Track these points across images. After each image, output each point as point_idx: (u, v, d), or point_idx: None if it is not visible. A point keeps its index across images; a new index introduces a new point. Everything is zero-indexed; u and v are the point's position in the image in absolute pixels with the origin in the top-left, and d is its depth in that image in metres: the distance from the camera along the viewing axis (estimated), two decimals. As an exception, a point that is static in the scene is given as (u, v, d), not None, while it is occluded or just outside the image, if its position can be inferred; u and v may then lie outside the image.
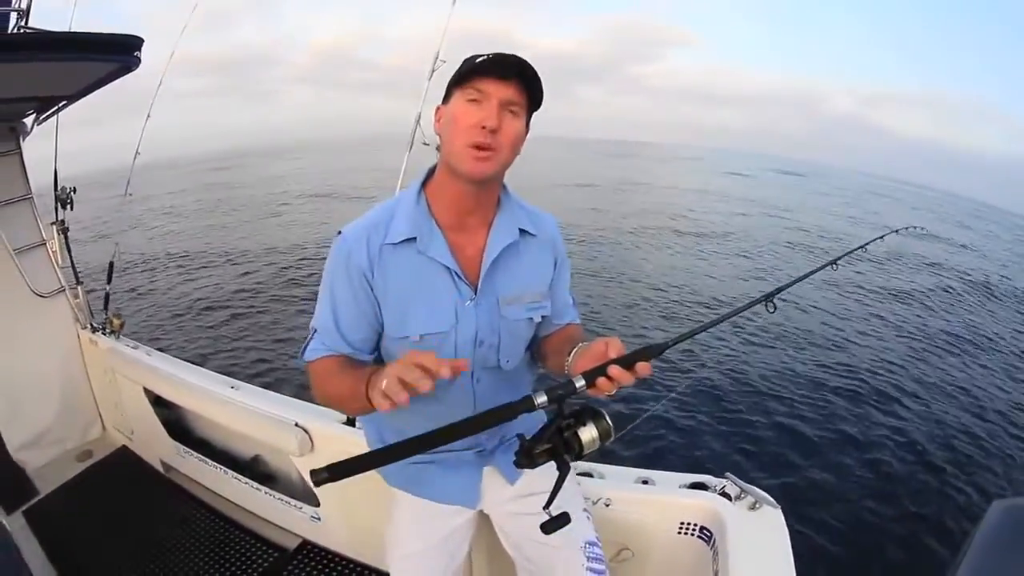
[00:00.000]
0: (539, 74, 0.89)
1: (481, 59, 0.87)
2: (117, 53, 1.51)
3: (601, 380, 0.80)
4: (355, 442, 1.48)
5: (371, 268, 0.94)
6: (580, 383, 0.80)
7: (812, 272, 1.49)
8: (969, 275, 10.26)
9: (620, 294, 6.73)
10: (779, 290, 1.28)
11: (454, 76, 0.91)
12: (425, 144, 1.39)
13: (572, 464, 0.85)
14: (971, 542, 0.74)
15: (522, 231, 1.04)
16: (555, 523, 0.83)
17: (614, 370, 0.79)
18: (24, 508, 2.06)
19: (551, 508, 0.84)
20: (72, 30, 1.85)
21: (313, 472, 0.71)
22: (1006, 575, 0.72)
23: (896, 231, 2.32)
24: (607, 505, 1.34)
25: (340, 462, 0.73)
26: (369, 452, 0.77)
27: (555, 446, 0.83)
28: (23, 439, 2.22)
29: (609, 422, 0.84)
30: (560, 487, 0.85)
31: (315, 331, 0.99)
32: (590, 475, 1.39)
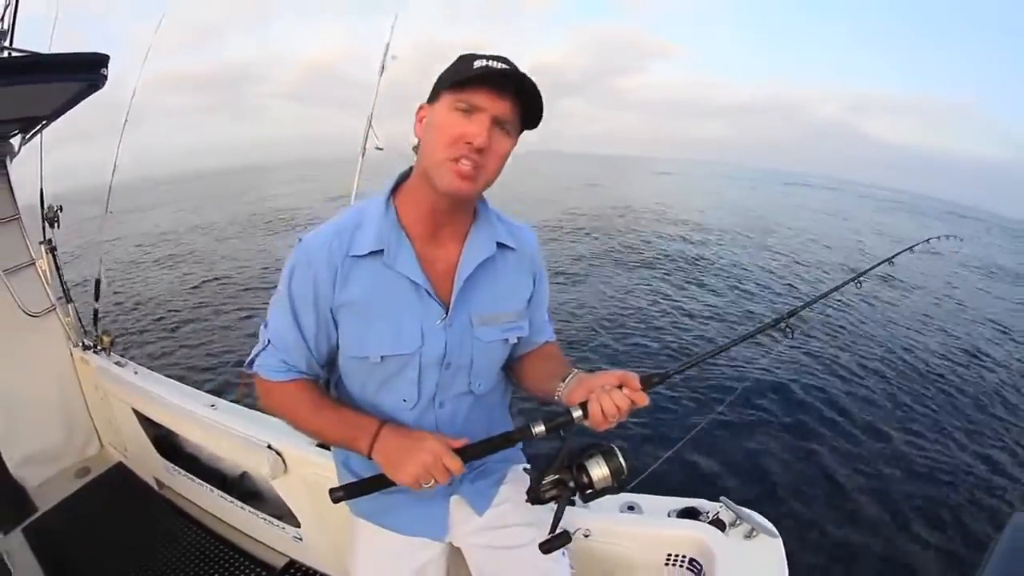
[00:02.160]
0: (539, 90, 0.79)
1: (479, 65, 0.77)
2: (83, 72, 1.50)
3: (596, 410, 0.78)
4: (328, 465, 1.42)
5: (332, 281, 0.86)
6: (577, 413, 0.79)
7: (831, 291, 1.41)
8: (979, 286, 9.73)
9: (607, 320, 6.39)
10: (792, 313, 1.26)
11: (446, 75, 0.81)
12: (378, 149, 1.30)
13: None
14: (990, 556, 0.71)
15: (500, 244, 0.95)
16: (554, 542, 0.82)
17: (613, 401, 0.78)
18: (23, 526, 2.08)
19: (553, 530, 0.83)
20: (49, 52, 1.85)
21: (331, 491, 0.82)
22: None
23: (911, 248, 2.14)
24: (587, 536, 1.24)
25: (354, 482, 0.83)
26: (381, 474, 0.84)
27: (563, 480, 0.81)
28: (22, 456, 2.25)
29: (622, 460, 0.81)
30: (560, 517, 0.84)
31: (269, 342, 0.91)
32: (572, 502, 1.29)
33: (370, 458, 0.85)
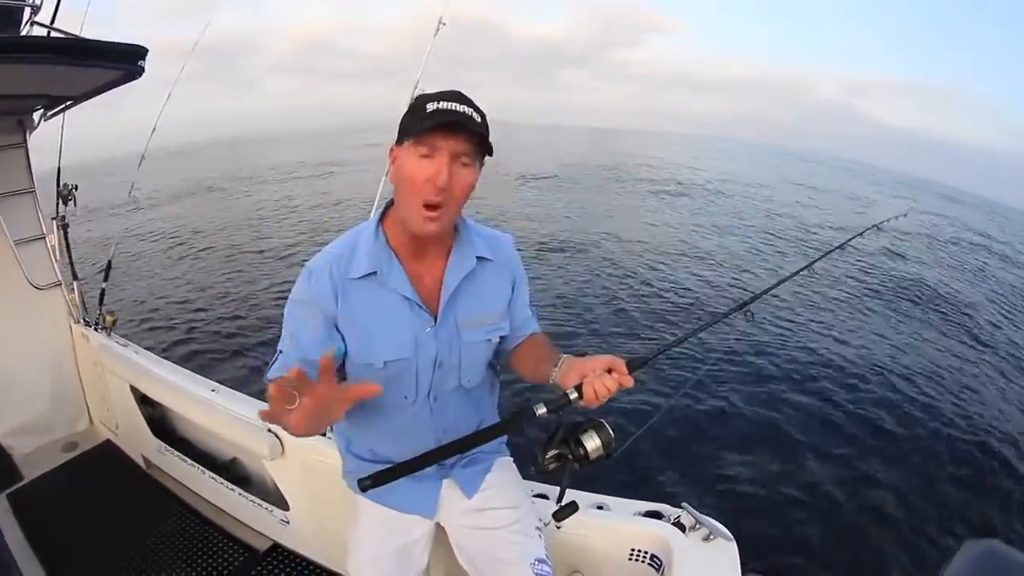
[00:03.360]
0: (487, 121, 0.91)
1: (431, 109, 0.89)
2: (124, 62, 1.60)
3: (590, 391, 0.89)
4: (325, 449, 1.53)
5: (335, 301, 1.00)
6: (573, 395, 0.89)
7: (787, 278, 1.53)
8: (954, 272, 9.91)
9: (594, 302, 6.51)
10: (755, 298, 1.37)
11: (406, 122, 0.94)
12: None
13: (528, 482, 1.04)
14: None
15: (479, 258, 1.10)
16: (566, 511, 0.98)
17: (604, 384, 0.89)
18: (8, 491, 2.11)
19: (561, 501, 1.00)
20: (82, 36, 1.93)
21: (360, 480, 0.91)
22: None
23: (876, 225, 2.26)
24: (559, 527, 1.36)
25: (381, 471, 0.94)
26: (404, 462, 0.97)
27: (562, 453, 0.93)
28: (11, 425, 2.29)
29: (611, 432, 0.94)
30: (566, 484, 0.99)
31: (280, 352, 1.02)
32: (545, 497, 1.42)
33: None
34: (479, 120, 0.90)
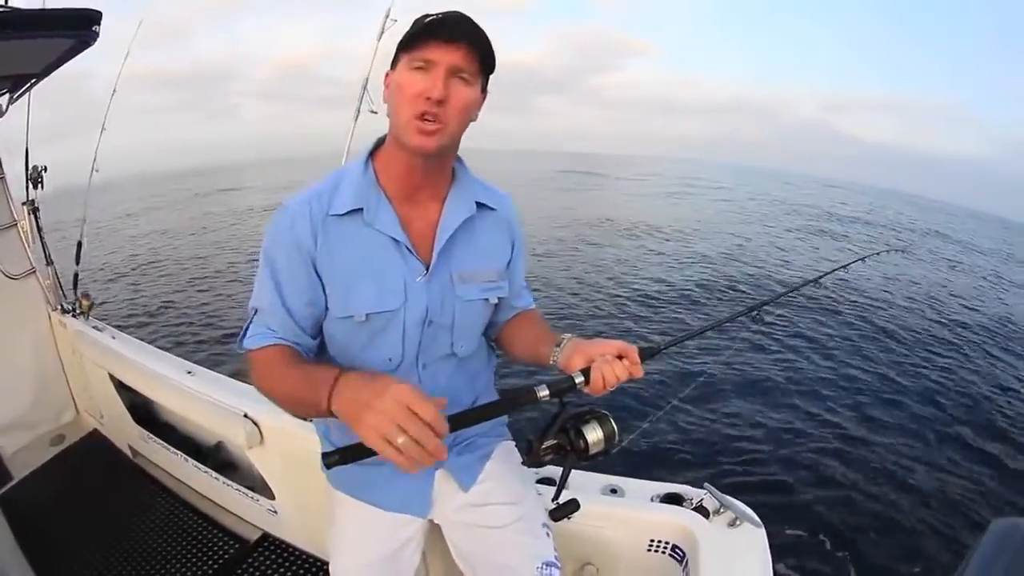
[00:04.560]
0: (488, 35, 0.80)
1: (428, 20, 0.78)
2: (75, 28, 1.47)
3: (598, 378, 0.81)
4: (306, 436, 1.38)
5: (314, 241, 0.85)
6: (580, 379, 0.81)
7: (796, 287, 1.50)
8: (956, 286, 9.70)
9: (598, 300, 6.45)
10: (763, 303, 1.32)
11: (401, 39, 0.83)
12: (373, 112, 1.26)
13: (535, 471, 0.95)
14: (968, 563, 0.69)
15: (479, 204, 0.95)
16: (563, 509, 0.88)
17: (614, 371, 0.81)
18: None
19: (558, 499, 0.89)
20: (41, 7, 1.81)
21: (324, 455, 0.75)
22: None
23: (879, 252, 2.29)
24: (569, 518, 1.20)
25: (349, 447, 0.74)
26: None
27: (561, 444, 0.85)
28: None
29: (615, 426, 0.84)
30: (566, 480, 0.88)
31: (255, 312, 0.89)
32: (552, 483, 1.25)
33: (331, 415, 0.74)
34: (481, 33, 0.80)
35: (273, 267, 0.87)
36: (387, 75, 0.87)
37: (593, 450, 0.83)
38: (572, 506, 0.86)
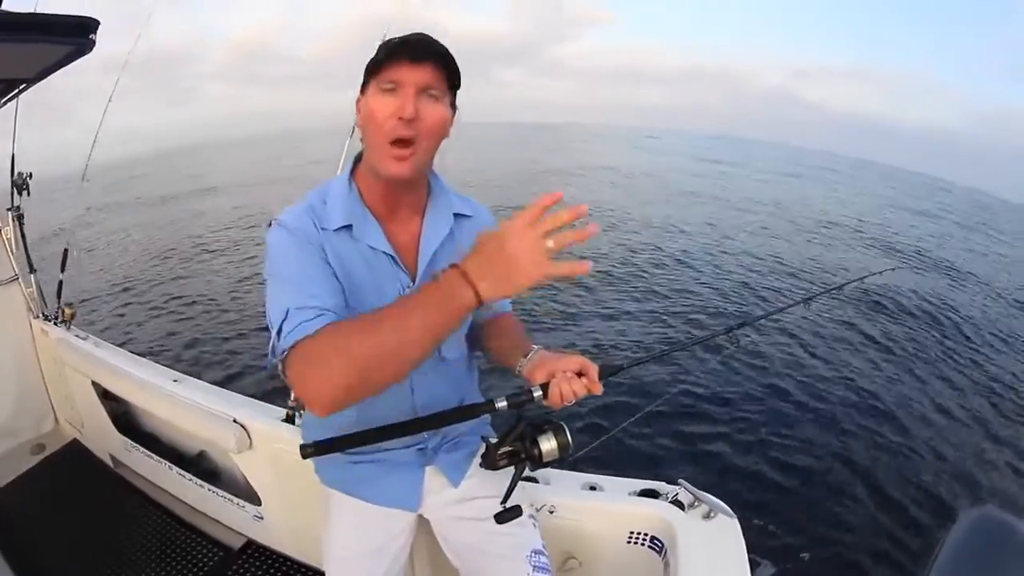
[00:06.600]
0: (452, 53, 0.83)
1: (393, 43, 0.82)
2: (73, 35, 1.47)
3: (555, 393, 0.85)
4: (294, 440, 1.40)
5: (322, 244, 0.88)
6: (538, 393, 0.86)
7: (777, 311, 1.75)
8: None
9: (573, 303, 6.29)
10: (741, 325, 1.38)
11: (368, 64, 0.85)
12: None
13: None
14: (939, 551, 0.72)
15: (457, 215, 1.01)
16: (508, 514, 0.91)
17: (572, 387, 0.85)
18: None
19: (506, 503, 0.92)
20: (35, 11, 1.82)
21: (302, 446, 0.82)
22: None
23: (874, 274, 2.40)
24: (551, 512, 1.25)
25: (324, 440, 0.83)
26: (348, 434, 0.87)
27: (516, 451, 0.90)
28: None
29: (569, 437, 0.89)
30: (515, 484, 0.92)
31: (288, 312, 0.76)
32: (535, 480, 1.30)
33: (482, 304, 0.68)
34: (445, 51, 0.82)
35: (288, 271, 0.83)
36: (358, 101, 0.88)
37: (547, 459, 0.88)
38: (515, 511, 0.90)
